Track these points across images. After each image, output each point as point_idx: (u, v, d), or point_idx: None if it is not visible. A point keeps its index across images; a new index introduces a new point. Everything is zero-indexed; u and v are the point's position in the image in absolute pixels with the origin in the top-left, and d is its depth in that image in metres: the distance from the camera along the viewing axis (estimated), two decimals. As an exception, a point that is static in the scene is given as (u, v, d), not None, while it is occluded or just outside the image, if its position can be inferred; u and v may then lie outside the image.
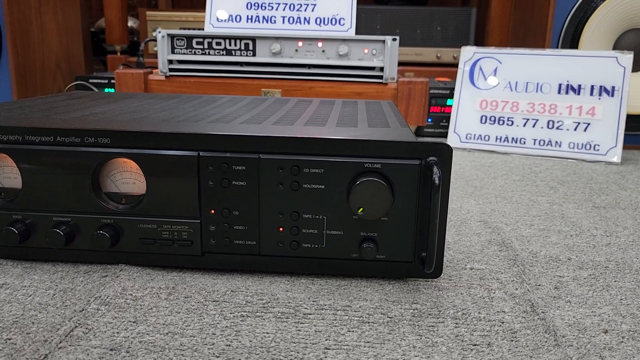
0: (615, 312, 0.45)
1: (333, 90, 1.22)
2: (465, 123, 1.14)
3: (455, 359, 0.37)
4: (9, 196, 0.49)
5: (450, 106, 1.24)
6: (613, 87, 1.06)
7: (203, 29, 2.04)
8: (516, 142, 1.11)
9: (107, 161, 0.48)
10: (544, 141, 1.09)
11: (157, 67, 1.40)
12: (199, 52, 1.23)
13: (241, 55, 1.23)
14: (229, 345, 0.38)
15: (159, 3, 2.50)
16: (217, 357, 0.37)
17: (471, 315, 0.43)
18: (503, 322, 0.42)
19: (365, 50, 1.21)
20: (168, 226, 0.48)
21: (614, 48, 1.18)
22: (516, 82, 1.12)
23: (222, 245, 0.48)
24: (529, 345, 0.39)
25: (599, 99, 1.07)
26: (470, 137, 1.14)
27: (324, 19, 1.26)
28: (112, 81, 1.28)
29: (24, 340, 0.38)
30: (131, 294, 0.45)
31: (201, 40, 1.22)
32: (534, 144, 1.10)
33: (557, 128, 1.08)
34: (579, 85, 1.08)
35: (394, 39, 1.19)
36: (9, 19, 1.22)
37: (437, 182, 0.43)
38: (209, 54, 1.23)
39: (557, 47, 1.18)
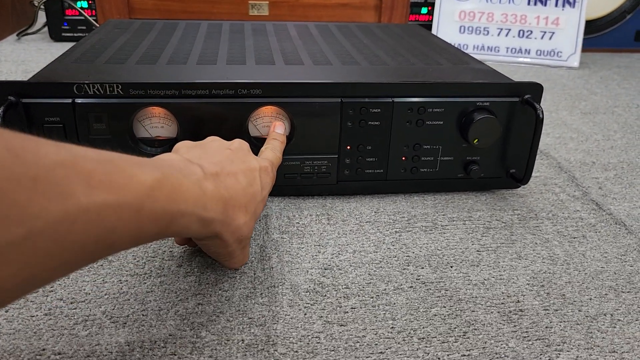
0: (647, 203, 0.61)
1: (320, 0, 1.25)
2: (446, 32, 1.25)
3: (568, 249, 0.51)
4: (162, 145, 0.54)
5: (425, 15, 1.33)
6: (574, -1, 1.20)
7: None
8: (491, 50, 1.24)
9: (256, 109, 0.53)
10: (515, 49, 1.23)
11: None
12: (181, -38, 1.18)
13: (226, -35, 1.20)
14: (409, 256, 0.49)
15: None
16: (408, 265, 0.48)
17: (558, 215, 0.57)
18: (582, 219, 0.57)
19: (350, -39, 1.24)
20: (310, 162, 0.56)
21: (569, -42, 1.31)
22: (491, -6, 1.22)
23: (355, 175, 0.58)
24: (610, 234, 0.54)
25: (563, 9, 1.21)
26: (451, 47, 1.24)
27: None
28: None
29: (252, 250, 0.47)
30: (298, 222, 0.54)
31: (183, -51, 1.17)
32: (507, 51, 1.24)
33: (527, 37, 1.22)
34: (546, -3, 1.21)
35: (377, -51, 1.23)
36: None
37: (540, 116, 0.54)
38: (192, -36, 1.19)
39: (524, -42, 1.28)
